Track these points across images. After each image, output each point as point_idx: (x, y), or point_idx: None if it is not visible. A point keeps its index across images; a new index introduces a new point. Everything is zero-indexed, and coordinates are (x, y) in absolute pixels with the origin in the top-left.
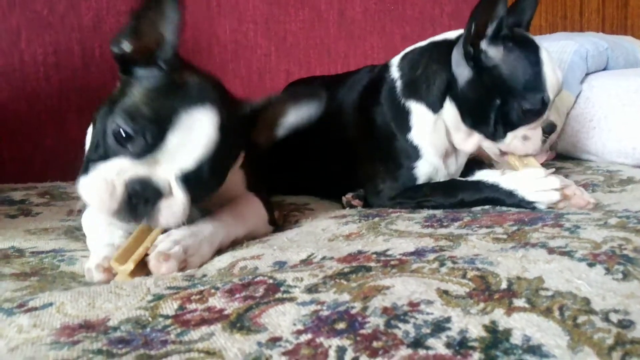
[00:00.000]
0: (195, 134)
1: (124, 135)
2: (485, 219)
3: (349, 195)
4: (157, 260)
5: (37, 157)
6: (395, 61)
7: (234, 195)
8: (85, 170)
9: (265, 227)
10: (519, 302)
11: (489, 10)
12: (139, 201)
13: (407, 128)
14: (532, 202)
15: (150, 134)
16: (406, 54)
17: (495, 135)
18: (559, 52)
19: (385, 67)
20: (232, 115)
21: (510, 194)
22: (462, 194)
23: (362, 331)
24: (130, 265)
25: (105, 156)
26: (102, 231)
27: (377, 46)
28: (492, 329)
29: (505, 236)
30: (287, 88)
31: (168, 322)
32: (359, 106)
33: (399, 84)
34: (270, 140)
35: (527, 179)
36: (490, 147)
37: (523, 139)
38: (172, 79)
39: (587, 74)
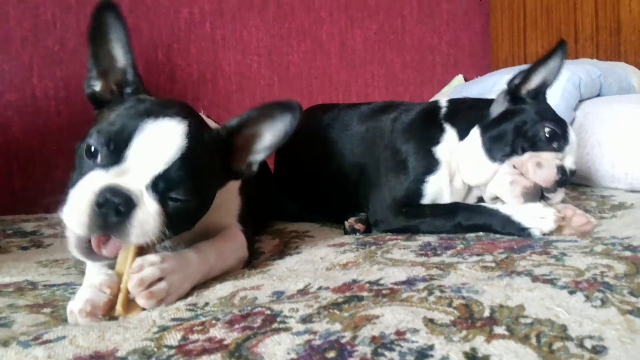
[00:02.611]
0: (160, 139)
1: (92, 150)
2: (477, 247)
3: (352, 220)
4: (138, 288)
5: (47, 188)
6: (444, 99)
7: (224, 224)
8: (67, 198)
9: (238, 267)
10: (499, 330)
11: (542, 68)
12: (110, 211)
13: (435, 142)
14: (527, 229)
15: (114, 143)
16: (457, 98)
17: (513, 151)
18: None
19: (436, 101)
20: (200, 129)
21: (507, 219)
22: (461, 216)
23: (351, 359)
24: (119, 312)
25: (80, 177)
26: (87, 269)
27: (378, 74)
28: (471, 355)
29: (493, 264)
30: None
31: (172, 352)
32: (393, 127)
33: (444, 110)
34: (250, 167)
35: (525, 207)
36: (498, 185)
37: (537, 165)
38: (138, 99)
39: (580, 101)
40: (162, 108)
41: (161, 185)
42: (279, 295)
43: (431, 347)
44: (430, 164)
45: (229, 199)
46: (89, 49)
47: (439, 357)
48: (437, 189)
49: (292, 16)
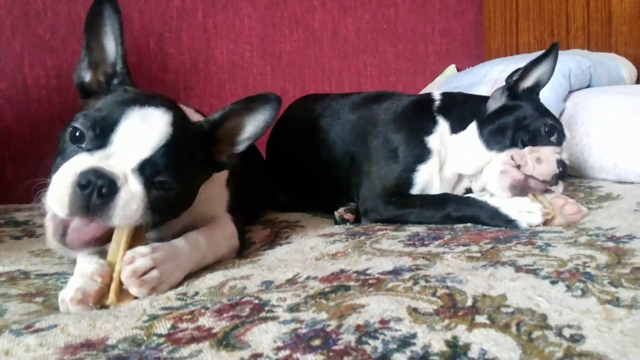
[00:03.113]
0: (147, 126)
1: (77, 135)
2: (464, 237)
3: (341, 210)
4: (130, 279)
5: (40, 177)
6: (437, 92)
7: (212, 214)
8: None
9: (231, 256)
10: (481, 319)
11: (536, 69)
12: (92, 192)
13: (428, 132)
14: (514, 220)
15: (100, 127)
16: (449, 92)
17: (513, 144)
18: None
19: (429, 94)
20: (184, 121)
21: (495, 211)
22: (450, 207)
23: (335, 347)
24: (112, 299)
25: (64, 161)
26: (79, 259)
27: (370, 64)
28: (452, 343)
29: (479, 254)
30: (294, 103)
31: (161, 340)
32: (385, 116)
33: (437, 102)
34: (232, 158)
35: (513, 200)
36: (489, 173)
37: (537, 160)
38: (126, 91)
39: (570, 92)
40: (148, 98)
41: (146, 170)
42: (267, 285)
43: (414, 336)
44: (422, 153)
45: (216, 192)
46: (84, 38)
47: (420, 345)
48: (427, 178)
49: (284, 4)
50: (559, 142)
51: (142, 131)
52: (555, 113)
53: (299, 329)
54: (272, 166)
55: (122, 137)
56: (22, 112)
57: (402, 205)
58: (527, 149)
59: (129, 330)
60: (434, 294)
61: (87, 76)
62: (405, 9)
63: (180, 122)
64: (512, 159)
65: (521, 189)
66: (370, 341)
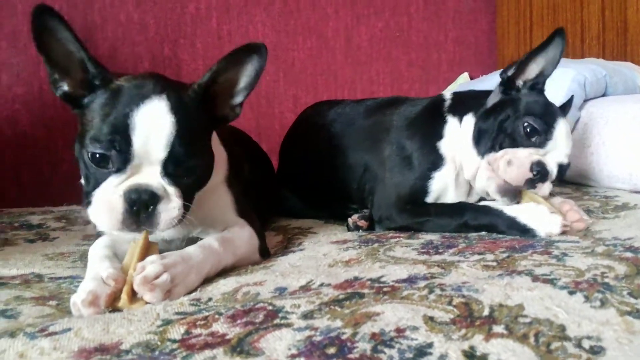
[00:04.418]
0: (151, 126)
1: (99, 158)
2: (479, 246)
3: (355, 216)
4: (142, 286)
5: (55, 181)
6: (449, 92)
7: (224, 220)
8: (88, 201)
9: (255, 255)
10: (498, 329)
11: (538, 60)
12: (140, 208)
13: (439, 136)
14: (531, 230)
15: (118, 145)
16: (462, 90)
17: (492, 148)
18: (557, 80)
19: (440, 94)
20: (178, 95)
21: (512, 220)
22: (467, 215)
23: (350, 355)
24: (124, 301)
25: (97, 183)
26: (91, 264)
27: (383, 72)
28: (470, 353)
29: (494, 263)
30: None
31: (175, 346)
32: (397, 123)
33: (447, 102)
34: (234, 111)
35: (531, 209)
36: (486, 176)
37: (508, 164)
38: (111, 90)
39: (585, 100)
40: (137, 92)
41: (170, 168)
42: (281, 291)
43: (430, 345)
44: (436, 160)
45: (218, 194)
46: (40, 54)
47: (437, 354)
48: (442, 186)
49: (297, 12)
50: (541, 144)
51: (152, 134)
52: (571, 122)
53: (313, 336)
54: (285, 172)
55: (140, 149)
56: (38, 117)
57: (417, 214)
58: (502, 152)
59: (142, 335)
60: (449, 303)
61: (65, 86)
62: (419, 17)
63: (176, 101)
64: (489, 163)
65: (509, 192)
66: (386, 350)
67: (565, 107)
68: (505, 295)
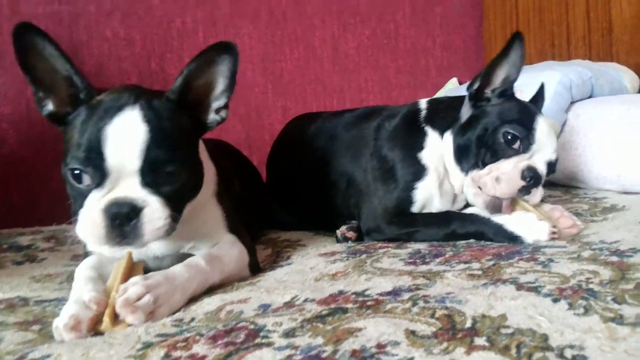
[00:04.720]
0: (123, 138)
1: (79, 175)
2: (466, 254)
3: (343, 228)
4: (124, 308)
5: (44, 199)
6: (424, 100)
7: (214, 236)
8: (75, 219)
9: (245, 272)
10: (480, 341)
11: (501, 67)
12: (123, 222)
13: (419, 147)
14: (518, 237)
15: (92, 161)
16: (436, 98)
17: (475, 165)
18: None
19: (416, 103)
20: (152, 102)
21: (499, 227)
22: (454, 224)
23: None
24: (106, 324)
25: (82, 200)
26: (75, 286)
27: (372, 80)
28: None
29: (480, 272)
30: (289, 123)
31: None
32: (377, 135)
33: (423, 112)
34: (220, 114)
35: (519, 216)
36: (472, 192)
37: (496, 180)
38: (91, 105)
39: (572, 103)
40: (112, 105)
41: (148, 177)
42: (265, 309)
43: None
44: (418, 171)
45: (208, 210)
46: (24, 74)
47: None
48: (426, 195)
49: (284, 23)
50: (525, 149)
51: (124, 146)
52: (558, 125)
53: (293, 355)
54: (273, 186)
55: (113, 162)
56: (26, 135)
57: (405, 225)
58: (487, 169)
59: (122, 359)
60: (432, 315)
61: (50, 104)
62: (406, 23)
63: (149, 109)
64: (473, 180)
65: (492, 208)
66: None
67: (538, 100)
68: (489, 305)
